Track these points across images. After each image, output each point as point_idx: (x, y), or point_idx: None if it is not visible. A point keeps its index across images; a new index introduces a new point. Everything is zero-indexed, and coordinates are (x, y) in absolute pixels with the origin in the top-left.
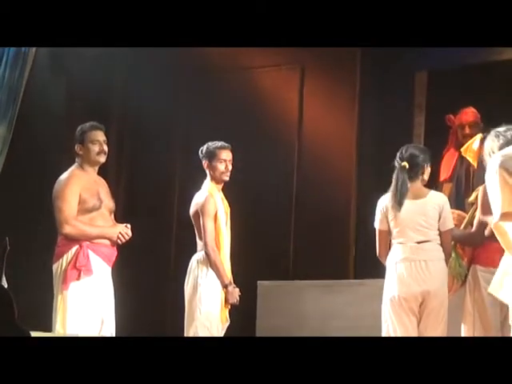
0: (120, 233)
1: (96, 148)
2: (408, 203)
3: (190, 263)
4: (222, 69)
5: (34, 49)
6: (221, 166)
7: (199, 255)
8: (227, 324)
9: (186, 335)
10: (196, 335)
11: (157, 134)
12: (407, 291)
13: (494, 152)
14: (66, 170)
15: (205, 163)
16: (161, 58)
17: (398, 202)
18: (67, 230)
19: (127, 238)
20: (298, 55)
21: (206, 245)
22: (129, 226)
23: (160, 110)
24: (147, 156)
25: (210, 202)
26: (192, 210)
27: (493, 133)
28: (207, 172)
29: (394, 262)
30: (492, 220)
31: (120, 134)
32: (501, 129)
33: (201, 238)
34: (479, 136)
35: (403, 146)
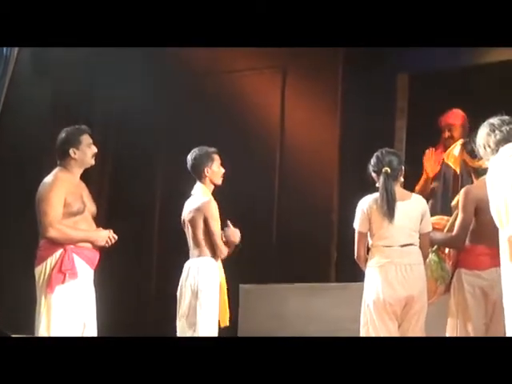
0: (108, 237)
1: (92, 151)
2: (396, 205)
3: (186, 269)
4: (204, 72)
5: (15, 52)
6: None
7: (199, 261)
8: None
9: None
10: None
11: (139, 137)
12: (393, 295)
13: (489, 146)
14: (48, 172)
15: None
16: (144, 61)
17: (391, 208)
18: (52, 233)
19: (113, 241)
20: (280, 58)
21: (217, 247)
22: (111, 231)
23: (143, 113)
24: (130, 159)
25: (214, 206)
26: (189, 216)
27: (487, 125)
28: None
29: (379, 265)
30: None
31: (103, 138)
32: (495, 121)
33: (196, 244)
34: (459, 142)
35: (376, 152)
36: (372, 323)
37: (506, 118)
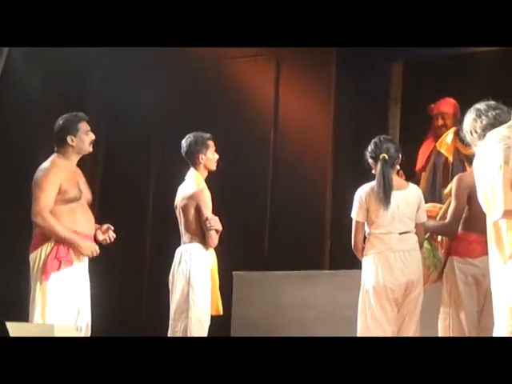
0: (108, 236)
1: (90, 138)
2: (394, 194)
3: (178, 255)
4: (197, 59)
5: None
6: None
7: (191, 247)
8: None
9: (173, 327)
10: (187, 327)
11: (132, 127)
12: (394, 281)
13: (476, 132)
14: (45, 158)
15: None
16: (137, 50)
17: (388, 195)
18: (38, 220)
19: (95, 254)
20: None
21: (209, 236)
22: (112, 227)
23: (135, 103)
24: (123, 149)
25: (207, 195)
26: (182, 203)
27: (473, 110)
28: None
29: (378, 252)
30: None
31: (96, 128)
32: (481, 107)
33: (188, 231)
34: (452, 130)
35: (374, 138)
36: (370, 309)
37: (492, 103)
